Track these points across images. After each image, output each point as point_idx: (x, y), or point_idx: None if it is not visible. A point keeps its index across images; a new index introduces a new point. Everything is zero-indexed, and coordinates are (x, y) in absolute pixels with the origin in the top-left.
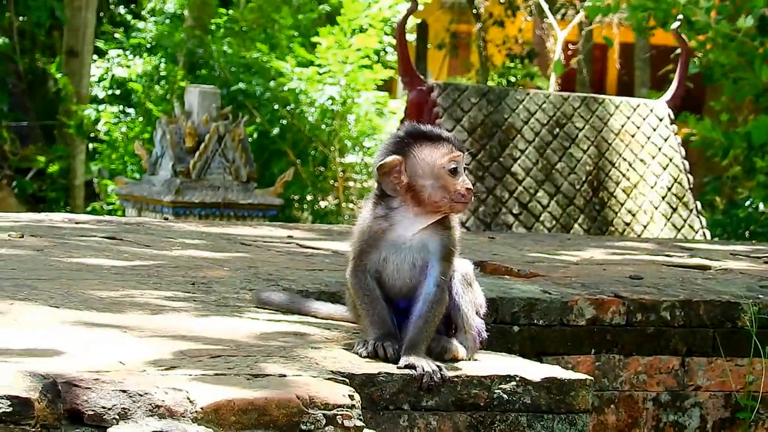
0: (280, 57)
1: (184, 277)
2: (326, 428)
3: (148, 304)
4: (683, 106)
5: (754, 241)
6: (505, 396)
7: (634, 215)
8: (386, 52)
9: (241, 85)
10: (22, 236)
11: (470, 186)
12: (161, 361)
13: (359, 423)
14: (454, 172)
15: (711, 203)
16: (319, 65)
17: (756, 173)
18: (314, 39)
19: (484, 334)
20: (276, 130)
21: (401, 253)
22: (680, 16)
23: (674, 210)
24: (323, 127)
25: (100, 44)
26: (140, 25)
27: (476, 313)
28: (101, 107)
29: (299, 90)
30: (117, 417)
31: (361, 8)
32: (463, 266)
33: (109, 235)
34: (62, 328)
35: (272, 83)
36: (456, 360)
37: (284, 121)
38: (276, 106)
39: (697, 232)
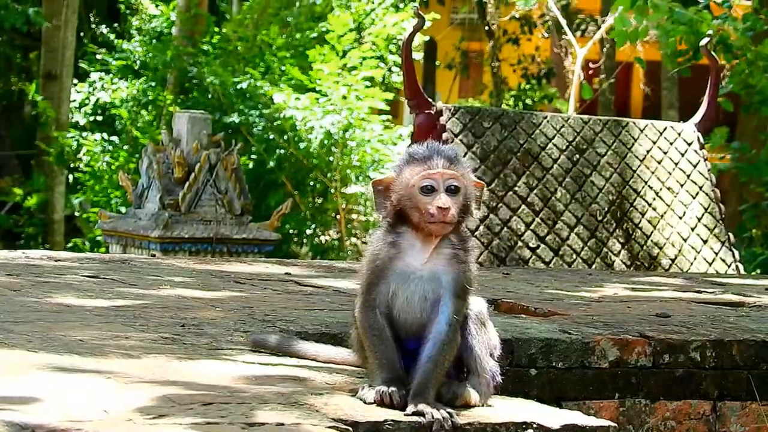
0: (273, 82)
1: (173, 319)
2: None
3: (133, 348)
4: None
5: None
6: None
7: (661, 248)
8: (391, 72)
9: (234, 118)
10: None
11: (443, 205)
12: (148, 409)
13: None
14: (428, 190)
15: (749, 236)
16: (318, 92)
17: None
18: (311, 60)
19: (499, 378)
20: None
21: (411, 285)
22: (710, 32)
23: (705, 242)
24: (323, 155)
25: (83, 65)
26: (125, 45)
27: (490, 355)
28: (83, 135)
29: (296, 118)
30: None
31: (348, 23)
32: (476, 304)
33: (92, 273)
34: (41, 374)
35: (267, 111)
36: (468, 406)
37: (281, 150)
38: (272, 136)
39: (729, 266)
